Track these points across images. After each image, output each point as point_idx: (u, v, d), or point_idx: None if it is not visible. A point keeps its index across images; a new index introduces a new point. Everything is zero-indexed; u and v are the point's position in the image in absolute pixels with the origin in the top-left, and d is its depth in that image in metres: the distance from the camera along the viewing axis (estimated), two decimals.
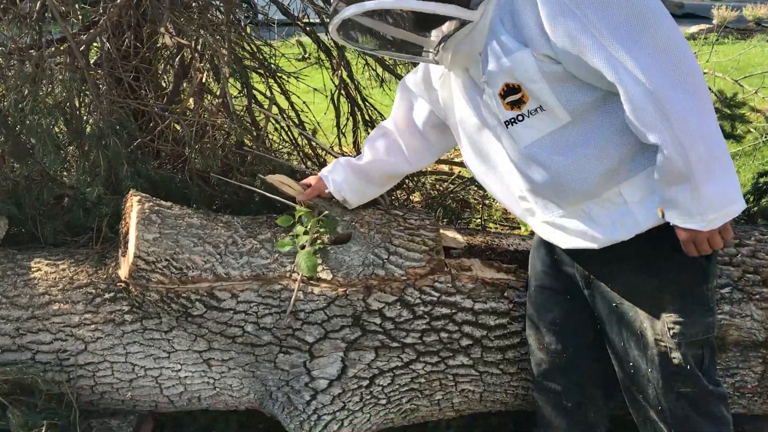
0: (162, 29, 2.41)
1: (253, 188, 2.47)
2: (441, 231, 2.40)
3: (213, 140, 2.51)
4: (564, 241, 1.80)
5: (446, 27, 1.78)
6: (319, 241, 2.18)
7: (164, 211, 2.21)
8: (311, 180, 2.31)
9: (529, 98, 1.69)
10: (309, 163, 3.22)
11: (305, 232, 2.20)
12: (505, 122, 1.75)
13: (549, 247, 1.95)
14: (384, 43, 1.82)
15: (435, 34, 1.83)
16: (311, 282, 2.12)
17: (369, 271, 2.11)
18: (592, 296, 1.86)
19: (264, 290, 2.15)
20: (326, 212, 2.25)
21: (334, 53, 3.30)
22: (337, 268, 2.12)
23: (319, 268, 2.12)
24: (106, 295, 2.26)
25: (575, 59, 1.57)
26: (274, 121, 3.03)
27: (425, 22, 1.76)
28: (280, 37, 3.81)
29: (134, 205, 2.18)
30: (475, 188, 3.69)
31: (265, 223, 2.33)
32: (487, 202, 3.80)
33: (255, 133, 2.67)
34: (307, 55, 3.73)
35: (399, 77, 3.29)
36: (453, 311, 2.13)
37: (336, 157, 2.33)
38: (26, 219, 2.52)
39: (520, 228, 3.78)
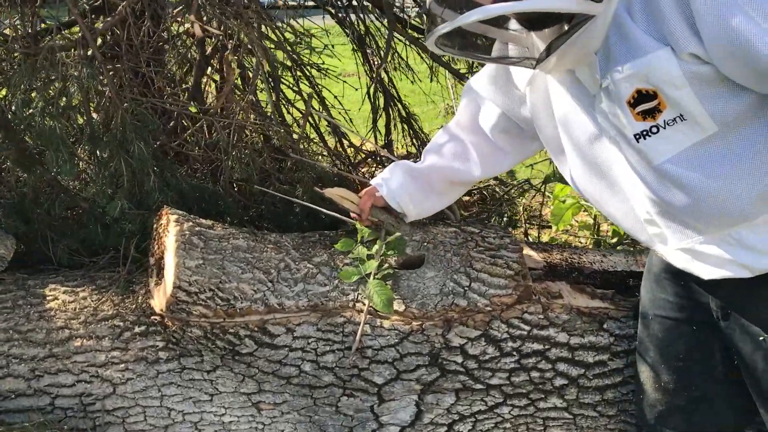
0: (192, 17, 2.07)
1: (302, 201, 2.15)
2: None
3: (251, 144, 2.19)
4: (705, 271, 1.52)
5: (556, 28, 1.47)
6: (386, 265, 1.88)
7: (206, 232, 1.89)
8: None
9: (666, 106, 1.40)
10: (342, 166, 2.90)
11: (370, 256, 1.89)
12: (634, 135, 1.45)
13: (675, 273, 1.65)
14: (483, 48, 1.53)
15: (538, 36, 1.53)
16: (380, 314, 1.82)
17: (448, 300, 1.81)
18: (730, 329, 1.58)
19: (324, 323, 1.84)
20: (392, 231, 1.94)
21: (369, 42, 2.97)
22: (410, 298, 1.82)
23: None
24: (137, 329, 1.94)
25: (736, 56, 1.28)
26: (313, 119, 2.70)
27: (537, 22, 1.46)
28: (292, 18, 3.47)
29: (172, 226, 1.86)
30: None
31: (318, 242, 2.02)
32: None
33: (297, 137, 2.35)
34: (331, 45, 3.40)
35: (454, 72, 2.98)
36: (546, 347, 1.84)
37: (392, 160, 2.02)
38: (36, 236, 2.20)
39: (550, 227, 3.50)
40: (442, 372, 1.84)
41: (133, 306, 1.98)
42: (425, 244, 1.92)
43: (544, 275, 2.04)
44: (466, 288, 1.83)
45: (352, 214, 1.98)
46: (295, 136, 2.37)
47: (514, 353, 1.84)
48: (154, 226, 1.94)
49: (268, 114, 2.24)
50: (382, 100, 3.11)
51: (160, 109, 2.31)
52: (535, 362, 1.85)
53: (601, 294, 1.94)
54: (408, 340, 1.82)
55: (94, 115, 2.12)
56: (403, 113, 3.16)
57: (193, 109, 2.24)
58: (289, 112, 2.87)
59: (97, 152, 2.11)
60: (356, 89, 3.29)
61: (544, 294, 1.91)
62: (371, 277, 1.83)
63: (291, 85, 2.87)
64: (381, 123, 3.17)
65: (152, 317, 1.90)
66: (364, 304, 1.81)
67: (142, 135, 2.12)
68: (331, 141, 3.07)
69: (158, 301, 1.85)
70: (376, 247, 1.88)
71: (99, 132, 2.13)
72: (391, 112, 3.18)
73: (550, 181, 3.70)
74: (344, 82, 3.20)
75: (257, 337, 1.83)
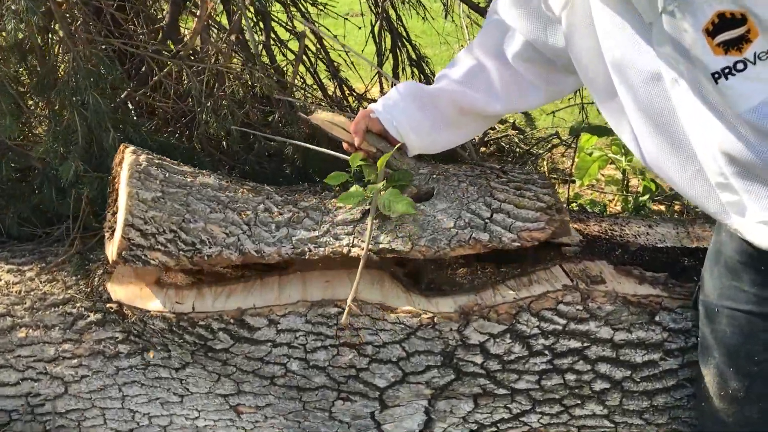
0: None
1: (289, 140, 1.80)
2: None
3: (230, 94, 1.82)
4: None
5: None
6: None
7: (169, 166, 1.58)
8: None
9: (759, 33, 1.06)
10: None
11: (369, 182, 1.58)
12: (712, 74, 1.10)
13: (753, 255, 1.31)
14: None
15: None
16: (387, 306, 1.49)
17: (465, 235, 1.48)
18: None
19: (314, 315, 1.51)
20: (394, 165, 1.60)
21: None
22: (417, 234, 1.48)
23: (390, 237, 1.49)
24: (92, 317, 1.62)
25: None
26: (309, 61, 2.32)
27: None
28: None
29: (127, 156, 1.53)
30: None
31: (307, 190, 1.69)
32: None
33: (288, 83, 1.98)
34: None
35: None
36: (585, 344, 1.51)
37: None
38: None
39: (574, 182, 3.14)
40: (458, 374, 1.51)
41: (89, 289, 1.65)
42: (434, 176, 1.58)
43: (580, 253, 1.70)
44: (486, 220, 1.50)
45: (344, 145, 1.64)
46: (286, 81, 2.00)
47: (546, 352, 1.51)
48: (113, 172, 1.60)
49: (255, 57, 1.87)
50: (389, 41, 2.72)
51: (128, 53, 1.94)
52: (571, 363, 1.52)
53: (651, 278, 1.59)
54: (416, 335, 1.49)
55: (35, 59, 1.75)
56: (413, 55, 2.78)
57: (165, 53, 1.87)
58: (282, 54, 2.49)
59: (47, 103, 1.75)
60: (359, 28, 2.90)
61: (582, 278, 1.57)
62: (378, 194, 1.52)
63: (284, 23, 2.48)
64: (388, 67, 2.78)
65: (109, 305, 1.58)
66: (363, 248, 1.47)
67: (99, 83, 1.76)
68: (330, 88, 2.70)
69: (110, 251, 1.51)
70: (373, 176, 1.55)
71: (47, 79, 1.77)
72: (399, 55, 2.79)
73: (576, 132, 3.34)
74: (346, 19, 2.81)
75: (233, 330, 1.51)
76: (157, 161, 1.55)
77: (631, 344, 1.52)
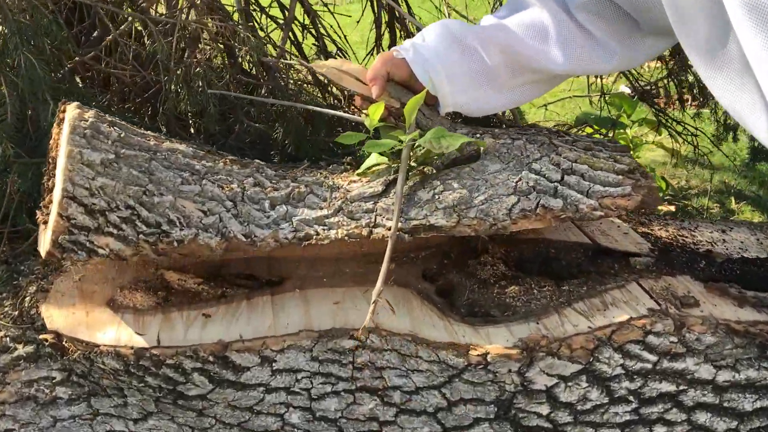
0: None
1: (287, 102, 1.42)
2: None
3: (207, 60, 1.42)
4: None
5: None
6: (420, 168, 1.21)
7: (127, 127, 1.19)
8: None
9: None
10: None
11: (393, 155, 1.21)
12: None
13: None
14: None
15: None
16: (421, 338, 1.11)
17: (530, 202, 1.12)
18: None
19: (322, 349, 1.13)
20: (424, 126, 1.24)
21: None
22: (464, 203, 1.11)
23: (427, 209, 1.13)
24: (20, 350, 1.21)
25: None
26: (295, 36, 1.93)
27: None
28: None
29: (68, 113, 1.13)
30: None
31: (308, 167, 1.30)
32: None
33: (278, 51, 1.58)
34: None
35: None
36: (679, 387, 1.15)
37: None
38: None
39: None
40: (516, 430, 1.14)
41: (17, 312, 1.24)
42: (477, 135, 1.21)
43: (654, 265, 1.34)
44: (556, 183, 1.14)
45: (357, 100, 1.28)
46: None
47: (631, 398, 1.14)
48: (51, 140, 1.19)
49: (241, 14, 1.47)
50: (386, 16, 2.33)
51: (78, 5, 1.52)
52: (661, 411, 1.16)
53: (753, 298, 1.23)
54: (462, 378, 1.11)
55: None
56: (414, 30, 2.39)
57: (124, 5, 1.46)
58: (260, 25, 2.08)
59: None
60: (350, 2, 2.51)
61: (669, 299, 1.21)
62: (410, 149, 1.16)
63: None
64: (386, 44, 2.39)
65: (44, 335, 1.17)
66: (390, 237, 1.10)
67: (35, 41, 1.35)
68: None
69: (43, 245, 1.11)
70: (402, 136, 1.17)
71: None
72: (397, 31, 2.40)
73: (584, 123, 3.00)
74: None
75: (213, 371, 1.12)
76: (109, 119, 1.16)
77: (737, 386, 1.16)
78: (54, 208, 1.06)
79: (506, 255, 1.36)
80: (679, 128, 2.62)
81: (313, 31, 2.13)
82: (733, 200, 2.84)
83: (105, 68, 1.45)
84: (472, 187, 1.13)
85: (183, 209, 1.11)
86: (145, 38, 1.43)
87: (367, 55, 2.43)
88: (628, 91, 3.42)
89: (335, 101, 1.90)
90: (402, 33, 2.41)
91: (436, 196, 1.12)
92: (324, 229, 1.13)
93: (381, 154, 1.19)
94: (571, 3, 1.20)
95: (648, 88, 2.67)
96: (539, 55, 1.20)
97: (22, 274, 1.32)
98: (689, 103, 2.78)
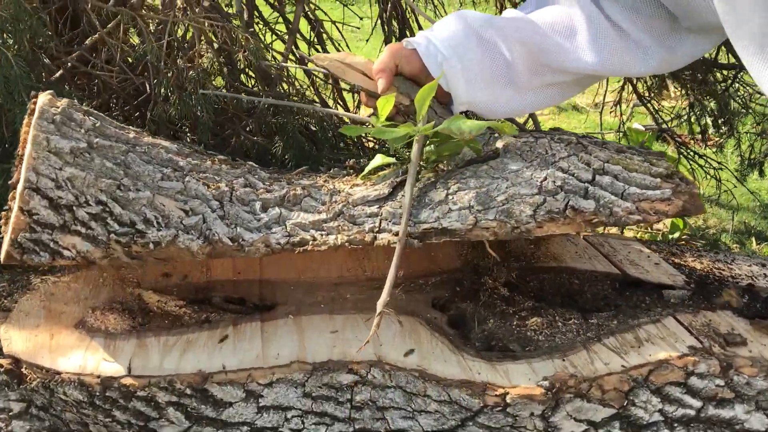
0: None
1: (287, 102, 1.30)
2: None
3: (200, 64, 1.31)
4: None
5: None
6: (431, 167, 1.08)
7: (104, 118, 1.06)
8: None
9: None
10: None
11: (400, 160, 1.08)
12: None
13: None
14: None
15: None
16: (430, 374, 0.97)
17: (557, 203, 0.98)
18: None
19: (317, 384, 0.99)
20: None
21: None
22: (482, 204, 0.98)
23: (439, 211, 0.99)
24: None
25: None
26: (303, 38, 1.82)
27: None
28: None
29: (39, 101, 1.01)
30: None
31: (306, 171, 1.16)
32: None
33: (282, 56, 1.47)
34: None
35: None
36: None
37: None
38: None
39: None
40: None
41: None
42: (496, 135, 1.08)
43: (691, 298, 1.20)
44: (587, 183, 1.00)
45: (362, 97, 1.16)
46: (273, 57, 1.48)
47: None
48: (21, 135, 1.07)
49: (239, 16, 1.35)
50: (397, 34, 2.23)
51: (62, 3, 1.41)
52: None
53: None
54: (477, 421, 0.97)
55: None
56: None
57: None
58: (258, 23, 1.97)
59: None
60: (360, 19, 2.41)
61: (712, 337, 1.06)
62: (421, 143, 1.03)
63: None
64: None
65: (0, 360, 1.03)
66: (397, 238, 0.98)
67: (13, 35, 1.23)
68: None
69: (3, 245, 0.98)
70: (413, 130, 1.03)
71: None
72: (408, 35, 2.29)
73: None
74: (345, 5, 2.33)
75: (191, 405, 0.98)
76: (85, 108, 1.03)
77: None
78: (15, 201, 0.94)
79: (525, 284, 1.22)
80: (701, 162, 2.49)
81: (319, 48, 2.03)
82: (754, 240, 2.70)
83: (90, 70, 1.33)
84: (491, 185, 0.99)
85: (162, 207, 0.98)
86: (135, 38, 1.31)
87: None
88: (641, 129, 3.31)
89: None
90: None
91: (450, 197, 0.99)
92: (322, 234, 1.00)
93: (388, 155, 1.06)
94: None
95: (669, 120, 2.56)
96: (566, 52, 1.08)
97: None
98: (708, 137, 2.66)
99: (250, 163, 1.12)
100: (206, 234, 0.98)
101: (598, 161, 1.02)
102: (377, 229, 0.99)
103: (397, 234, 0.97)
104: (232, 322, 1.09)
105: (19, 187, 0.94)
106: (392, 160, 1.06)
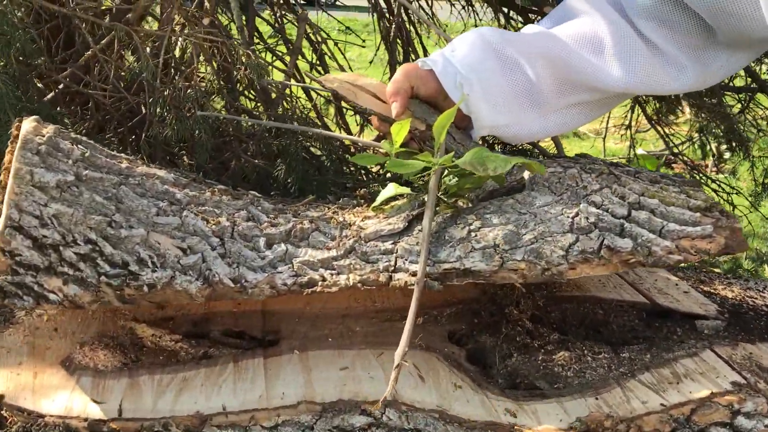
0: None
1: (291, 125, 1.23)
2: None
3: (198, 82, 1.23)
4: None
5: None
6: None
7: (94, 146, 0.98)
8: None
9: None
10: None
11: (415, 189, 1.00)
12: None
13: None
14: None
15: None
16: (451, 416, 0.88)
17: (592, 243, 0.90)
18: None
19: (327, 427, 0.90)
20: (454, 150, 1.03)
21: None
22: (508, 243, 0.90)
23: (460, 249, 0.91)
24: None
25: None
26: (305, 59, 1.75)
27: None
28: None
29: (24, 128, 0.92)
30: None
31: (312, 201, 1.08)
32: None
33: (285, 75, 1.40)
34: None
35: None
36: None
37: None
38: None
39: None
40: None
41: None
42: (518, 164, 0.99)
43: (726, 329, 1.11)
44: (622, 219, 0.92)
45: (374, 121, 1.07)
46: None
47: None
48: (4, 163, 0.99)
49: (239, 31, 1.28)
50: (400, 48, 2.17)
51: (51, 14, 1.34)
52: None
53: None
54: None
55: None
56: None
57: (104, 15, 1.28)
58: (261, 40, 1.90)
59: None
60: (363, 42, 2.36)
61: (755, 372, 0.98)
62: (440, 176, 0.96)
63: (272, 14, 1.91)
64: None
65: None
66: (415, 280, 0.88)
67: (2, 53, 1.16)
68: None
69: None
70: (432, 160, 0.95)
71: None
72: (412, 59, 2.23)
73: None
74: (347, 29, 2.27)
75: None
76: (73, 136, 0.95)
77: None
78: None
79: (546, 315, 1.14)
80: (714, 186, 2.42)
81: (321, 69, 1.96)
82: (767, 268, 2.63)
83: (83, 89, 1.25)
84: (517, 222, 0.91)
85: (157, 246, 0.89)
86: (129, 55, 1.24)
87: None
88: (644, 154, 3.27)
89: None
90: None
91: (473, 234, 0.91)
92: (332, 274, 0.91)
93: (401, 183, 0.98)
94: (632, 9, 1.02)
95: (679, 144, 2.49)
96: (594, 69, 1.00)
97: None
98: (719, 161, 2.60)
99: (253, 193, 1.04)
100: (206, 274, 0.90)
101: (633, 194, 0.95)
102: (392, 268, 0.91)
103: (414, 274, 0.89)
104: (233, 359, 1.00)
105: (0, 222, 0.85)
106: (406, 190, 0.97)
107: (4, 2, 1.17)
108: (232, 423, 0.90)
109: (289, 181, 1.38)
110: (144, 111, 1.26)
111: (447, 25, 2.55)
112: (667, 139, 2.41)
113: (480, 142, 1.10)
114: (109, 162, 0.94)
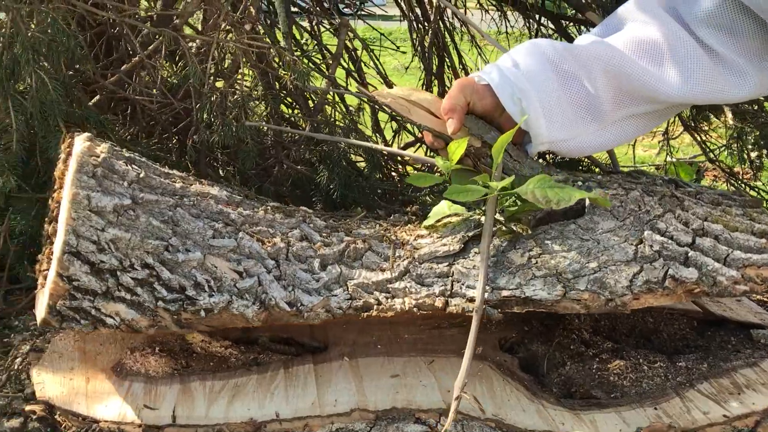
0: None
1: (344, 138, 1.22)
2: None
3: (243, 88, 1.23)
4: None
5: None
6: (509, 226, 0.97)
7: (147, 165, 0.97)
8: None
9: None
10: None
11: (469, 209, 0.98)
12: None
13: None
14: None
15: None
16: (508, 425, 0.87)
17: (656, 272, 0.88)
18: None
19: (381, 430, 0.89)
20: (512, 170, 1.02)
21: None
22: (571, 271, 0.88)
23: (520, 276, 0.89)
24: (5, 424, 0.97)
25: None
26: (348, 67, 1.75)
27: None
28: None
29: (77, 146, 0.91)
30: None
31: (362, 215, 1.08)
32: None
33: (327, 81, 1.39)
34: None
35: None
36: None
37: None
38: None
39: None
40: None
41: (4, 375, 1.01)
42: (579, 183, 0.98)
43: None
44: (687, 246, 0.90)
45: (427, 137, 1.05)
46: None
47: None
48: (56, 175, 0.98)
49: (285, 36, 1.28)
50: (436, 61, 2.16)
51: (97, 21, 1.35)
52: None
53: None
54: None
55: None
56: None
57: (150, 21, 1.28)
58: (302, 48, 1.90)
59: None
60: (398, 48, 2.36)
61: None
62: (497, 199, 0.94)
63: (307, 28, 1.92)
64: (435, 92, 2.21)
65: (31, 405, 0.94)
66: (467, 298, 0.88)
67: (51, 59, 1.17)
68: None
69: (39, 308, 0.89)
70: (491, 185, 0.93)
71: None
72: (446, 80, 2.23)
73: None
74: (381, 35, 2.27)
75: None
76: (126, 155, 0.94)
77: None
78: (53, 266, 0.85)
79: (598, 324, 1.12)
80: (753, 194, 2.38)
81: (356, 75, 1.96)
82: None
83: (129, 95, 1.25)
84: (580, 250, 0.89)
85: (214, 269, 0.89)
86: (163, 61, 1.24)
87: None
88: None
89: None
90: (452, 82, 2.23)
91: (533, 260, 0.89)
92: (387, 298, 0.90)
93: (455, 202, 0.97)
94: (691, 16, 0.99)
95: (714, 149, 2.45)
96: (654, 79, 0.98)
97: (14, 330, 1.10)
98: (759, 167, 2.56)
99: (304, 209, 1.03)
100: (262, 298, 0.89)
101: (697, 220, 0.92)
102: (449, 292, 0.90)
103: (471, 300, 0.88)
104: (283, 365, 0.99)
105: (58, 249, 0.85)
106: (460, 209, 0.96)
107: (56, 9, 1.17)
108: (285, 430, 0.89)
109: (331, 186, 1.38)
110: (189, 117, 1.25)
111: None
112: (703, 146, 2.38)
113: (538, 159, 1.08)
114: (163, 182, 0.93)
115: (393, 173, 1.56)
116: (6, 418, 0.97)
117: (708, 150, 2.42)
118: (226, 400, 0.93)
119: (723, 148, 2.44)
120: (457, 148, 0.96)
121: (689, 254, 0.90)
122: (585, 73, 0.99)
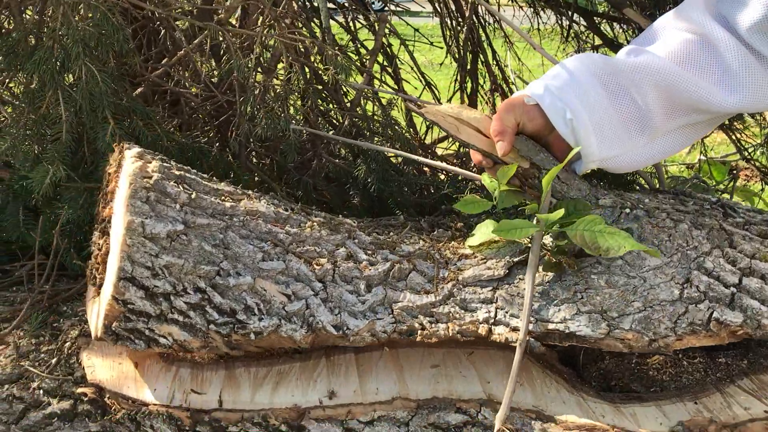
0: None
1: (386, 148, 1.23)
2: None
3: (287, 83, 1.25)
4: None
5: None
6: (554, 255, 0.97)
7: (197, 182, 0.98)
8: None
9: None
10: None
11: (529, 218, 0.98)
12: None
13: None
14: None
15: None
16: (548, 416, 0.88)
17: (701, 314, 0.88)
18: None
19: (422, 424, 0.90)
20: (561, 193, 1.01)
21: None
22: (616, 309, 0.88)
23: (565, 311, 0.90)
24: (54, 406, 1.01)
25: None
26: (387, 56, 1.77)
27: None
28: None
29: (128, 165, 0.93)
30: None
31: (405, 225, 1.10)
32: None
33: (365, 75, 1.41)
34: None
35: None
36: None
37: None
38: None
39: None
40: None
41: (54, 360, 1.04)
42: (626, 210, 0.98)
43: None
44: (733, 287, 0.90)
45: (475, 157, 1.04)
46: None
47: None
48: (104, 179, 1.01)
49: (324, 32, 1.30)
50: (470, 58, 2.17)
51: (135, 16, 1.38)
52: None
53: None
54: None
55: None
56: (500, 78, 2.22)
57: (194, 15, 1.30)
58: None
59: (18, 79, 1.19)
60: (431, 43, 2.37)
61: None
62: (543, 230, 0.93)
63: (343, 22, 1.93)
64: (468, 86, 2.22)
65: (82, 388, 0.97)
66: (512, 328, 0.89)
67: (99, 52, 1.19)
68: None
69: (94, 321, 0.92)
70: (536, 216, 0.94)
71: (20, 44, 1.20)
72: (480, 77, 2.23)
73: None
74: (416, 31, 2.28)
75: None
76: (177, 173, 0.96)
77: None
78: (107, 288, 0.87)
79: None
80: None
81: (391, 70, 1.97)
82: None
83: (173, 87, 1.28)
84: (626, 287, 0.90)
85: (263, 293, 0.91)
86: (220, 53, 1.27)
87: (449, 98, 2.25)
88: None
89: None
90: (485, 78, 2.24)
91: (578, 294, 0.90)
92: (431, 322, 0.92)
93: (497, 219, 0.97)
94: (741, 23, 0.97)
95: (748, 148, 2.43)
96: (704, 90, 0.97)
97: (63, 315, 1.13)
98: None
99: (348, 222, 1.04)
100: (309, 321, 0.91)
101: (745, 258, 0.92)
102: (492, 320, 0.91)
103: (515, 329, 0.88)
104: (325, 354, 1.01)
105: (112, 274, 0.87)
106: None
107: (104, 3, 1.20)
108: (329, 417, 0.91)
109: (368, 181, 1.39)
110: (231, 110, 1.28)
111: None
112: (738, 144, 2.36)
113: (584, 178, 1.07)
114: (213, 202, 0.94)
115: (430, 169, 1.57)
116: (57, 400, 1.01)
117: (742, 148, 2.40)
118: (271, 386, 0.95)
119: (758, 146, 2.43)
120: (507, 172, 0.96)
121: (735, 296, 0.89)
122: (634, 87, 0.98)
